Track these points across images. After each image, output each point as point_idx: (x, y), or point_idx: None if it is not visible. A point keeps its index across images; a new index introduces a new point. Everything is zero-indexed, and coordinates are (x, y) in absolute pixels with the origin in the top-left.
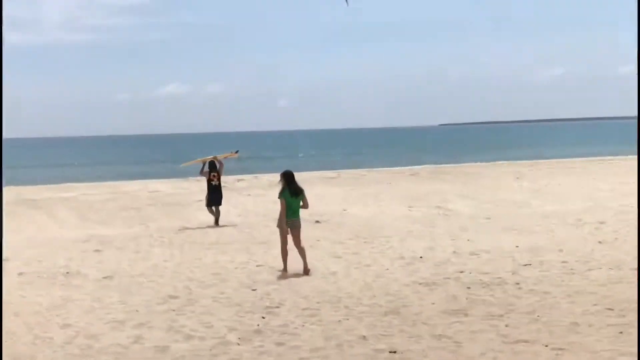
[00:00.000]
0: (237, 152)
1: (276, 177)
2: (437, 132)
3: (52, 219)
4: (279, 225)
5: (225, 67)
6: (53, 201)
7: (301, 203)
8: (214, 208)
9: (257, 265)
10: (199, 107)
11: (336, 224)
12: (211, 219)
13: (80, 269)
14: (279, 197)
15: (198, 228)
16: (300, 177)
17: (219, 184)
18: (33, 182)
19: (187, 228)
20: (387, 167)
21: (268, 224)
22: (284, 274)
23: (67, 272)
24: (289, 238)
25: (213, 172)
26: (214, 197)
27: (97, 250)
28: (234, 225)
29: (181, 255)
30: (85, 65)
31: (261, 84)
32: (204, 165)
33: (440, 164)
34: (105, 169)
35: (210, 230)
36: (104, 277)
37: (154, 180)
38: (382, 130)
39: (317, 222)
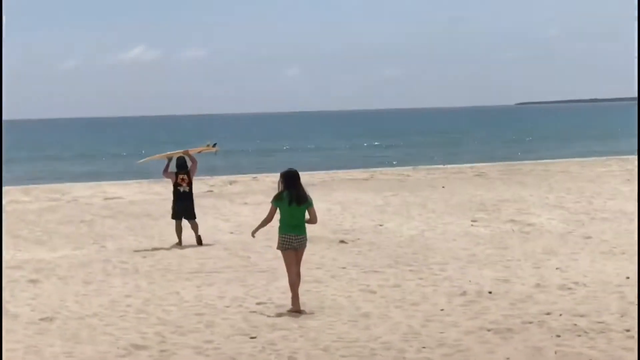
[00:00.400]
0: (215, 144)
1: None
2: (513, 113)
3: None
4: (279, 246)
5: (208, 24)
6: None
7: (307, 215)
8: (191, 223)
9: (257, 303)
10: (172, 79)
11: (369, 244)
12: (189, 237)
13: (8, 306)
14: (271, 202)
15: (174, 249)
16: (314, 179)
17: (190, 190)
18: None
19: (158, 249)
20: (442, 164)
21: (272, 244)
22: (295, 313)
23: None
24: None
25: (181, 173)
26: (182, 208)
27: (32, 281)
28: (223, 246)
29: (150, 288)
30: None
31: (261, 46)
32: (168, 162)
33: (516, 159)
34: (42, 166)
35: (190, 253)
36: (42, 319)
37: (112, 183)
38: (440, 111)
39: (343, 242)
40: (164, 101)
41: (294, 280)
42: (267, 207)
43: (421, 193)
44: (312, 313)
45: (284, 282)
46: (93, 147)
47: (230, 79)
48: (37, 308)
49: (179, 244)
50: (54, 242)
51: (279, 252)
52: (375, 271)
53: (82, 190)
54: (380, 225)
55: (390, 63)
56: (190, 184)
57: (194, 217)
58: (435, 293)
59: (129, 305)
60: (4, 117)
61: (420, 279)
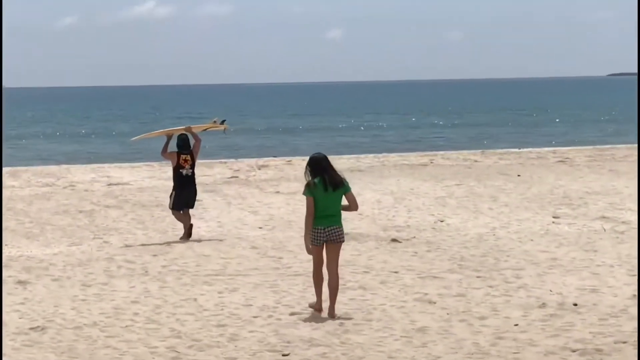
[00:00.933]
0: (223, 121)
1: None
2: (605, 86)
3: None
4: (312, 241)
5: None
6: None
7: (343, 201)
8: (183, 212)
9: (290, 314)
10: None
11: (427, 244)
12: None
13: None
14: (304, 194)
15: (191, 245)
16: (361, 163)
17: (193, 173)
18: None
19: (172, 246)
20: (517, 147)
21: None
22: (319, 314)
23: None
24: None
25: (184, 153)
26: (184, 195)
27: (20, 282)
28: (251, 244)
29: (162, 294)
30: None
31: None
32: (168, 140)
33: (608, 143)
34: (33, 145)
35: (210, 251)
36: (32, 328)
37: (116, 165)
38: (513, 82)
39: (395, 240)
40: (175, 68)
41: (318, 274)
42: (302, 196)
43: (491, 182)
44: (356, 326)
45: (325, 287)
46: (93, 122)
47: (255, 41)
48: (26, 315)
49: (187, 235)
50: (47, 236)
51: None
52: (435, 277)
53: (81, 174)
54: (441, 221)
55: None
56: (193, 166)
57: (193, 206)
58: (508, 305)
59: (136, 314)
60: None
61: (490, 287)
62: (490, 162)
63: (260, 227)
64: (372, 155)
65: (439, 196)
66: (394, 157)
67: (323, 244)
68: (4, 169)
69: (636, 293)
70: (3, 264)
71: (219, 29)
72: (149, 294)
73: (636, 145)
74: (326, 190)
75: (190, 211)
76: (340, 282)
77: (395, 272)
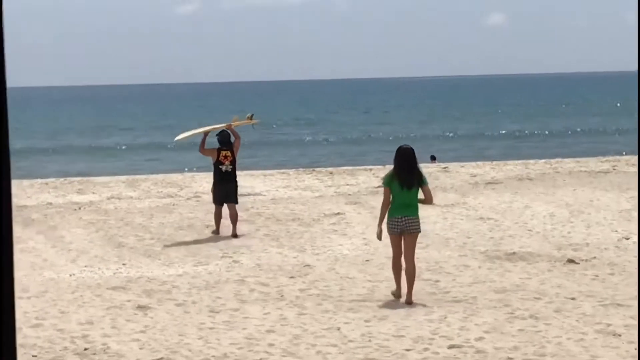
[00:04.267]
0: (251, 115)
1: (480, 167)
2: None
3: (53, 245)
4: (388, 230)
5: None
6: (57, 211)
7: (420, 195)
8: (228, 206)
9: (449, 347)
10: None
11: (610, 266)
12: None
13: (110, 343)
14: (382, 184)
15: (332, 267)
16: (530, 170)
17: (234, 169)
18: (15, 171)
19: (312, 267)
20: None
21: (470, 263)
22: (397, 299)
23: (86, 349)
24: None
25: (224, 149)
26: (224, 191)
27: (140, 308)
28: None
29: (300, 322)
30: None
31: None
32: (204, 137)
33: None
34: (149, 153)
35: (356, 273)
36: None
37: (245, 173)
38: None
39: (572, 261)
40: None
41: (397, 263)
42: (461, 209)
43: None
44: None
45: (487, 316)
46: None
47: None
48: (147, 345)
49: (216, 232)
50: (170, 254)
51: (479, 276)
52: (620, 304)
53: (207, 183)
54: (627, 239)
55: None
56: (234, 162)
57: (236, 202)
58: None
59: (271, 345)
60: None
61: None
62: None
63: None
64: (542, 160)
65: (624, 209)
66: (569, 163)
67: (400, 234)
68: (119, 178)
69: None
70: (121, 286)
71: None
72: (286, 321)
73: None
74: (402, 188)
75: (332, 226)
76: (508, 310)
77: (573, 299)
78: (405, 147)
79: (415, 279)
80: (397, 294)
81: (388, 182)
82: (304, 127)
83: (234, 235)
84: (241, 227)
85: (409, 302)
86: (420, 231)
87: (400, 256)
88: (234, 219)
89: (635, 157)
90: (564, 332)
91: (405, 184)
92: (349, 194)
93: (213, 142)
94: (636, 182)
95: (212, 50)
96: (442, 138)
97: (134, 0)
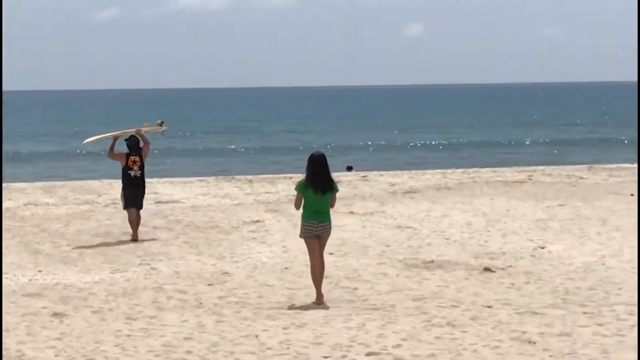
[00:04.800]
0: (161, 122)
1: (399, 177)
2: None
3: None
4: (302, 234)
5: None
6: None
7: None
8: (133, 212)
9: (367, 354)
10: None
11: (525, 274)
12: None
13: (25, 350)
14: (295, 190)
15: (251, 274)
16: (448, 180)
17: (142, 174)
18: None
19: (230, 275)
20: (630, 161)
21: (388, 270)
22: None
23: (1, 356)
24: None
25: (133, 155)
26: (132, 195)
27: (56, 315)
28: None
29: (218, 329)
30: None
31: None
32: (114, 142)
33: None
34: (67, 157)
35: (275, 280)
36: None
37: (166, 180)
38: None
39: (488, 270)
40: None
41: (317, 271)
42: (380, 217)
43: (600, 203)
44: None
45: (405, 324)
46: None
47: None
48: (63, 352)
49: (134, 238)
50: (87, 261)
51: (397, 284)
52: (535, 312)
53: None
54: (542, 248)
55: None
56: (142, 168)
57: (141, 207)
58: (622, 346)
59: (189, 352)
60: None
61: (599, 325)
62: (598, 178)
63: (331, 253)
64: (460, 170)
65: (539, 218)
66: (486, 173)
67: (315, 237)
68: (36, 184)
69: None
70: (37, 293)
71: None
72: (204, 329)
73: None
74: (316, 194)
75: (251, 234)
76: (425, 317)
77: (489, 307)
78: (317, 154)
79: (334, 286)
80: (319, 302)
81: (302, 189)
82: (221, 134)
83: (134, 239)
84: (159, 234)
85: (320, 302)
86: (330, 234)
87: (318, 261)
88: (137, 223)
89: (551, 168)
90: (480, 340)
91: (320, 189)
92: (269, 202)
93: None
94: (552, 192)
95: (129, 57)
96: (358, 148)
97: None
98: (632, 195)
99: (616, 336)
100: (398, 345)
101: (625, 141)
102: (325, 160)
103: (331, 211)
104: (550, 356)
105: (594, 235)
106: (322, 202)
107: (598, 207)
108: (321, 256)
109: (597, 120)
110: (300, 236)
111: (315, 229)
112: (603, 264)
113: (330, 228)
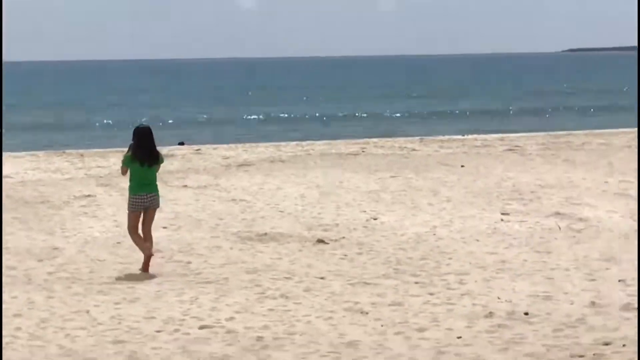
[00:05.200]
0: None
1: (233, 150)
2: (560, 62)
3: None
4: (129, 207)
5: None
6: None
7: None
8: None
9: (200, 327)
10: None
11: (358, 245)
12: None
13: None
14: (122, 162)
15: (84, 249)
16: (282, 152)
17: None
18: None
19: (61, 250)
20: (460, 133)
21: (221, 244)
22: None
23: None
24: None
25: None
26: None
27: None
28: (153, 246)
29: (48, 305)
30: None
31: None
32: None
33: (563, 128)
34: None
35: (107, 255)
36: None
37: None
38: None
39: (321, 242)
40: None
41: (138, 240)
42: (214, 191)
43: (431, 174)
44: (277, 340)
45: (238, 296)
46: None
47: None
48: None
49: None
50: None
51: (231, 257)
52: (367, 283)
53: None
54: (374, 219)
55: None
56: None
57: None
58: (451, 314)
59: (18, 328)
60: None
61: (430, 294)
62: (429, 150)
63: (164, 227)
64: (294, 143)
65: (372, 190)
66: (320, 146)
67: (141, 210)
68: None
69: (594, 300)
70: None
71: None
72: (33, 305)
73: (596, 131)
74: (142, 166)
75: (82, 209)
76: (259, 290)
77: (322, 278)
78: (142, 127)
79: (167, 260)
80: (144, 269)
81: (129, 161)
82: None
83: None
84: (5, 215)
85: (146, 270)
86: (159, 206)
87: (149, 234)
88: None
89: (384, 140)
90: (313, 311)
91: (146, 161)
92: (100, 176)
93: None
94: (384, 164)
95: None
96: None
97: None
98: (462, 166)
99: (446, 304)
100: (231, 318)
101: (457, 112)
102: (151, 132)
103: (164, 184)
104: (382, 325)
105: (425, 206)
106: (149, 174)
107: (429, 179)
108: (150, 229)
109: (432, 92)
110: (128, 209)
111: (144, 200)
112: (434, 234)
113: (158, 199)
